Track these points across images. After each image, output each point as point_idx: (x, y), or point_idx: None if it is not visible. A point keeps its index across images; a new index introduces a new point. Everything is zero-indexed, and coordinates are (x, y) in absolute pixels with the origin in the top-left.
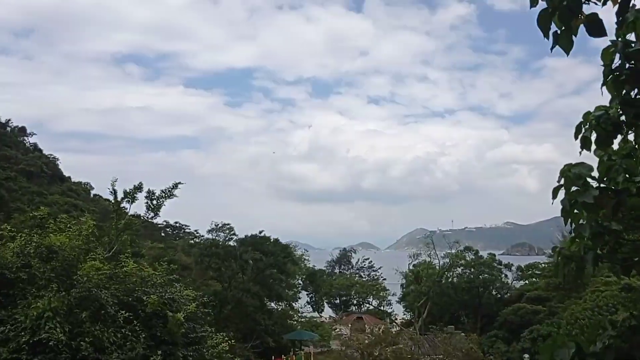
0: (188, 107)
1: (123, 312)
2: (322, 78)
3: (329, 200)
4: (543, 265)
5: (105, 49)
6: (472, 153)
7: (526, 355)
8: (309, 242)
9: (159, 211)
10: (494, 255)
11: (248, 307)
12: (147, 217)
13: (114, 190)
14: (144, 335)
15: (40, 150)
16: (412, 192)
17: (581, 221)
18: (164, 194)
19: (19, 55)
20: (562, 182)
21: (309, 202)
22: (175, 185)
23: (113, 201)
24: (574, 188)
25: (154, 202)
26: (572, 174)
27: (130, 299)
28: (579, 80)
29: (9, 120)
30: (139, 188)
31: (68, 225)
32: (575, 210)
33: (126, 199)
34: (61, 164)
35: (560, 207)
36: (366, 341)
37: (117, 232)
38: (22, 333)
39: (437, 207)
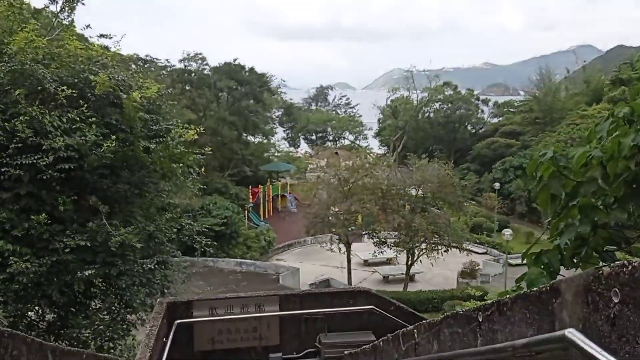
0: None
1: (65, 88)
2: None
3: (307, 37)
4: (518, 102)
5: None
6: None
7: (497, 184)
8: (286, 82)
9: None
10: (472, 90)
11: (224, 137)
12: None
13: None
14: (95, 120)
15: None
16: (392, 30)
17: None
18: None
19: None
20: None
21: (285, 39)
22: None
23: None
24: None
25: None
26: None
27: (76, 80)
28: None
29: None
30: None
31: None
32: None
33: None
34: None
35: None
36: (343, 171)
37: (55, 16)
38: None
39: (416, 46)
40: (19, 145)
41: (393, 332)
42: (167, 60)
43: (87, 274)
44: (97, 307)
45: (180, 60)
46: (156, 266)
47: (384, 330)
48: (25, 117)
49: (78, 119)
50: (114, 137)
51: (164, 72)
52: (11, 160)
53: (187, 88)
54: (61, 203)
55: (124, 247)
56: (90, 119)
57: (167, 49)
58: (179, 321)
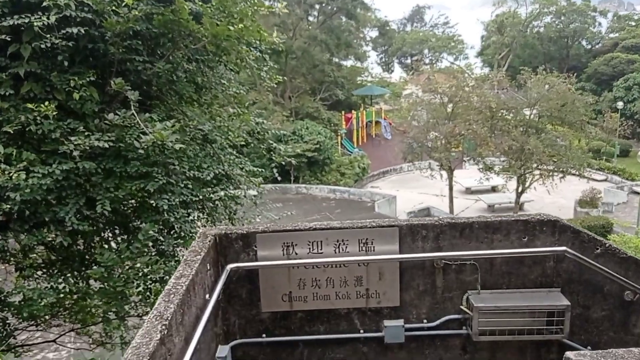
0: None
1: None
2: None
3: None
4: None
5: None
6: None
7: (620, 103)
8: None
9: None
10: (589, 1)
11: (315, 58)
12: None
13: None
14: None
15: None
16: None
17: None
18: None
19: None
20: None
21: None
22: None
23: None
24: None
25: None
26: None
27: None
28: None
29: None
30: None
31: None
32: None
33: None
34: None
35: None
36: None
37: None
38: None
39: None
40: None
41: (600, 291)
42: None
43: (111, 189)
44: (131, 238)
45: None
46: (214, 180)
47: (581, 288)
48: None
49: None
50: None
51: None
52: None
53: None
54: (77, 88)
55: (163, 151)
56: None
57: None
58: (233, 265)
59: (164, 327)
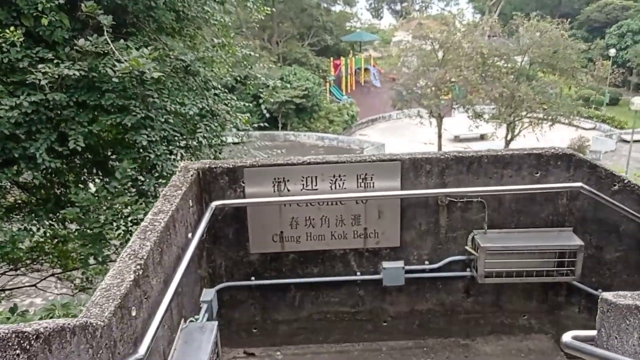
0: None
1: None
2: None
3: None
4: None
5: None
6: None
7: (612, 50)
8: None
9: None
10: None
11: (303, 1)
12: None
13: None
14: None
15: None
16: None
17: None
18: None
19: None
20: None
21: None
22: None
23: None
24: None
25: None
26: None
27: None
28: None
29: None
30: None
31: None
32: None
33: None
34: None
35: None
36: (437, 34)
37: None
38: None
39: None
40: None
41: (616, 230)
42: None
43: (84, 123)
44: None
45: None
46: (197, 116)
47: (595, 228)
48: None
49: None
50: None
51: None
52: None
53: None
54: (45, 13)
55: (142, 82)
56: None
57: None
58: (219, 202)
59: (138, 266)
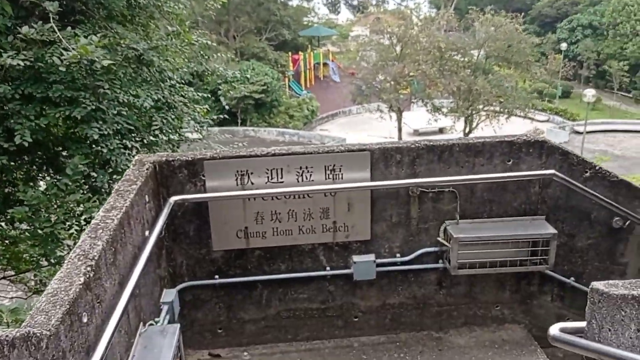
0: None
1: None
2: None
3: None
4: None
5: None
6: None
7: (564, 45)
8: None
9: None
10: None
11: None
12: None
13: None
14: None
15: None
16: None
17: None
18: None
19: None
20: None
21: None
22: None
23: None
24: None
25: None
26: None
27: None
28: None
29: None
30: None
31: None
32: None
33: None
34: None
35: None
36: (395, 28)
37: None
38: None
39: None
40: None
41: (587, 218)
42: None
43: (31, 117)
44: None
45: None
46: (153, 109)
47: (567, 216)
48: None
49: None
50: None
51: None
52: None
53: None
54: None
55: (92, 73)
56: None
57: None
58: (177, 197)
59: (89, 268)
